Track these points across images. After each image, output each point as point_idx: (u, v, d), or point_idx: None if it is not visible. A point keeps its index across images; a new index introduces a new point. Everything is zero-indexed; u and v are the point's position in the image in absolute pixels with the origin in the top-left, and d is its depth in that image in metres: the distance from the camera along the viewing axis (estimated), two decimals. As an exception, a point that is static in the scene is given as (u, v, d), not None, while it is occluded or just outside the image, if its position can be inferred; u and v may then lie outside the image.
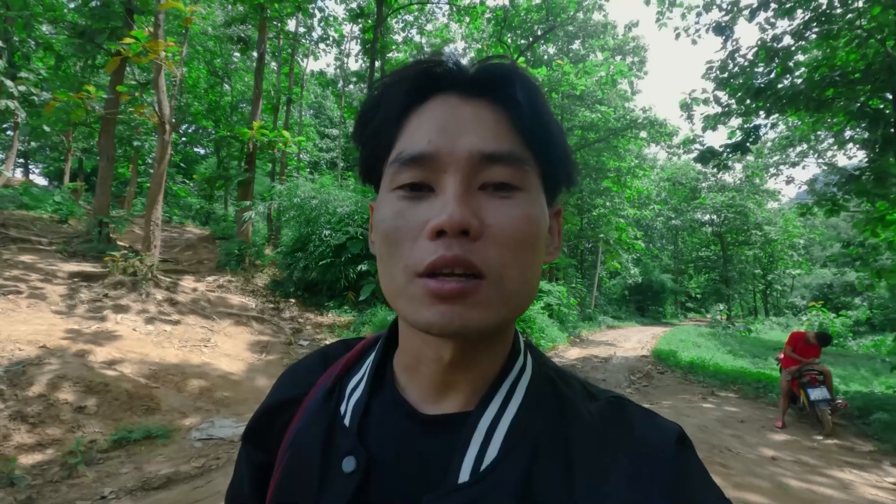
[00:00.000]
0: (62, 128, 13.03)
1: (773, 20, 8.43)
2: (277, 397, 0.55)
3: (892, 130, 7.07)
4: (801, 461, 4.59)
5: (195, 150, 27.16)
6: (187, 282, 8.63)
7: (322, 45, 20.47)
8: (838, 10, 7.62)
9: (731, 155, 9.29)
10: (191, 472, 3.53)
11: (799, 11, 8.00)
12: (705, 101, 10.14)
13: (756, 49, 8.59)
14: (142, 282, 7.02)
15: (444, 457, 0.42)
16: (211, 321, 7.11)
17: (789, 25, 8.16)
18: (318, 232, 9.44)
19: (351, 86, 23.88)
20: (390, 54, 18.32)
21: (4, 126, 18.30)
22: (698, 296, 41.07)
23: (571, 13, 17.01)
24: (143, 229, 8.10)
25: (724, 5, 9.13)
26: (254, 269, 10.54)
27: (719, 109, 9.64)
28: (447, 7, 17.35)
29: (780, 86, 8.24)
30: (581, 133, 20.17)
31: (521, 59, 16.88)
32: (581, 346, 13.86)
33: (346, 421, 0.47)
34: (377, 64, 15.25)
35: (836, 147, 12.83)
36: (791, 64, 8.43)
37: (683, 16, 11.64)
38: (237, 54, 18.85)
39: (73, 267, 7.38)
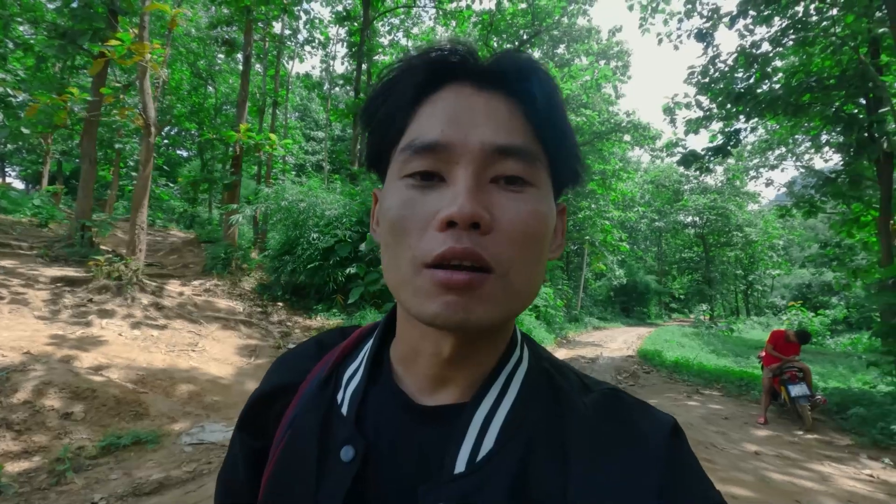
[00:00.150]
0: (42, 130, 12.77)
1: (751, 27, 8.66)
2: (271, 384, 0.55)
3: (866, 135, 7.30)
4: (782, 455, 4.72)
5: (178, 152, 26.80)
6: (173, 286, 8.53)
7: (308, 48, 20.38)
8: (814, 18, 7.85)
9: (712, 158, 9.50)
10: (182, 477, 3.50)
11: (776, 19, 8.23)
12: (687, 106, 10.36)
13: (736, 55, 8.81)
14: (127, 286, 6.92)
15: (440, 447, 0.42)
16: (198, 325, 7.04)
17: (767, 32, 8.40)
18: (305, 235, 9.40)
19: (337, 88, 23.80)
20: (376, 57, 18.34)
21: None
22: (682, 296, 41.66)
23: (556, 18, 17.22)
24: (128, 233, 7.99)
25: (705, 12, 9.35)
26: (240, 272, 10.45)
27: (701, 113, 9.85)
28: (433, 11, 17.44)
29: (759, 91, 8.47)
30: (566, 136, 20.33)
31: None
32: (568, 347, 14.01)
33: (344, 410, 0.47)
34: (363, 67, 15.25)
35: (813, 150, 13.19)
36: (769, 70, 8.66)
37: (666, 21, 11.88)
38: (221, 56, 18.68)
39: (55, 272, 7.24)
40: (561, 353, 11.95)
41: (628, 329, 24.01)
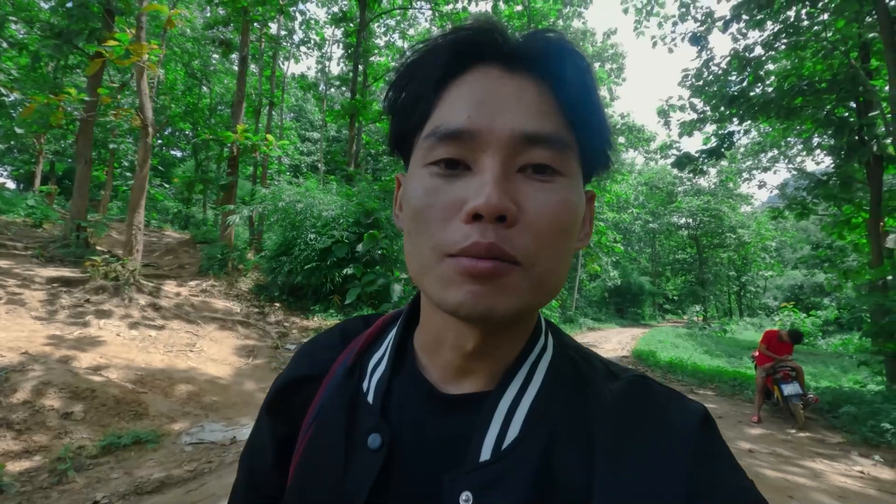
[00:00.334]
0: (37, 130, 12.68)
1: (745, 31, 8.76)
2: (297, 372, 0.55)
3: (856, 138, 7.41)
4: (776, 453, 4.79)
5: (172, 152, 26.69)
6: (169, 286, 8.51)
7: (303, 48, 20.38)
8: (805, 23, 7.96)
9: (706, 160, 9.60)
10: (183, 476, 3.52)
11: (769, 23, 8.34)
12: (681, 108, 10.47)
13: (729, 58, 8.91)
14: (124, 287, 6.91)
15: (464, 436, 0.42)
16: (196, 326, 7.03)
17: (760, 36, 8.51)
18: (303, 236, 9.42)
19: (332, 89, 23.81)
20: (372, 58, 18.37)
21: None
22: (675, 297, 41.92)
23: (552, 20, 17.31)
24: (123, 233, 7.97)
25: (699, 16, 9.46)
26: (237, 273, 10.44)
27: (695, 116, 9.96)
28: (430, 12, 17.50)
29: (752, 94, 8.57)
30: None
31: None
32: (563, 347, 14.04)
33: (370, 398, 0.47)
34: (359, 68, 15.29)
35: (805, 153, 13.35)
36: (762, 73, 8.77)
37: (660, 25, 12.01)
38: (216, 56, 18.63)
39: (51, 272, 7.22)
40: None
41: (622, 330, 24.15)
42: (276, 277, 9.72)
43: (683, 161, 9.73)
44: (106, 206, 17.62)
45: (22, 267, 7.19)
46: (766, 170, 19.83)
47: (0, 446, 3.45)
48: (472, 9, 16.98)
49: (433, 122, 0.41)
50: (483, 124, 0.39)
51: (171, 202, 23.28)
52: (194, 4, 16.25)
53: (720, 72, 9.25)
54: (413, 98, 0.44)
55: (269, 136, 11.39)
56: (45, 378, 4.26)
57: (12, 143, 19.29)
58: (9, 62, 12.45)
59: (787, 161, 17.40)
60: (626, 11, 13.27)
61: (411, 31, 20.16)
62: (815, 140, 10.56)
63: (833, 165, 8.48)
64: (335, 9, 18.86)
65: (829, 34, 7.70)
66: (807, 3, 7.54)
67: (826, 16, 7.65)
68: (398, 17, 19.29)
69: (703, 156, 9.49)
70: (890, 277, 6.65)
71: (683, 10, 9.95)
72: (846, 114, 7.99)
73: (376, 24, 18.43)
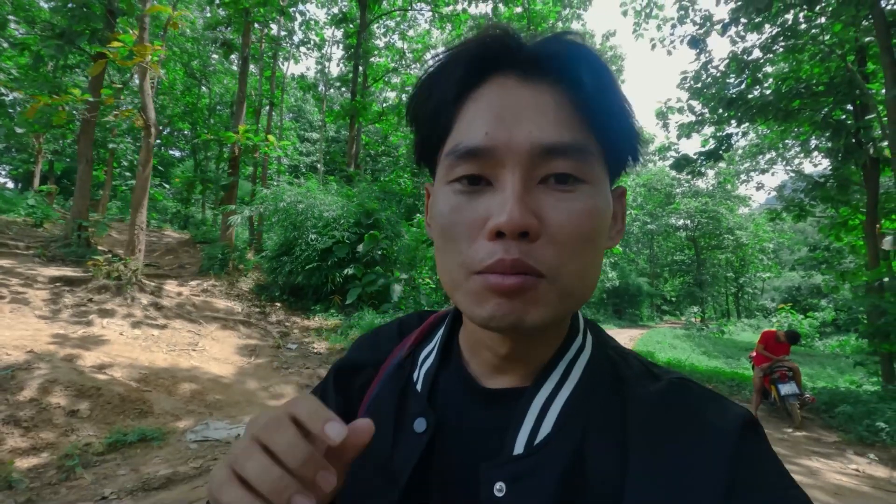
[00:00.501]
0: (38, 130, 12.69)
1: (743, 34, 8.83)
2: (360, 356, 0.60)
3: (853, 140, 7.48)
4: (773, 452, 4.85)
5: (171, 152, 26.70)
6: (171, 286, 8.55)
7: (303, 49, 20.42)
8: (803, 26, 8.03)
9: (704, 162, 9.67)
10: (189, 473, 3.56)
11: (767, 26, 8.40)
12: (680, 110, 10.54)
13: (728, 61, 8.97)
14: (126, 286, 6.95)
15: (501, 427, 0.44)
16: (198, 325, 7.07)
17: (758, 39, 8.57)
18: (304, 236, 9.46)
19: (332, 90, 23.85)
20: (372, 59, 18.43)
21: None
22: (673, 299, 41.94)
23: (551, 23, 17.40)
24: (124, 233, 8.01)
25: (698, 19, 9.52)
26: (237, 273, 10.48)
27: (693, 118, 10.03)
28: (429, 14, 17.56)
29: (750, 96, 8.64)
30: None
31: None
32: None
33: (418, 387, 0.51)
34: (359, 69, 15.34)
35: (802, 155, 13.43)
36: (760, 76, 8.84)
37: (659, 27, 12.09)
38: (215, 56, 18.66)
39: (53, 271, 7.25)
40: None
41: (620, 331, 24.19)
42: (277, 277, 9.76)
43: (681, 163, 9.80)
44: (105, 205, 17.63)
45: (24, 266, 7.22)
46: (763, 172, 19.93)
47: (8, 443, 3.50)
48: (472, 11, 17.06)
49: (453, 138, 0.42)
50: (501, 140, 0.39)
51: (170, 202, 23.29)
52: (194, 4, 16.29)
53: (719, 74, 9.32)
54: (433, 114, 0.44)
55: (271, 137, 11.44)
56: (51, 376, 4.30)
57: (11, 142, 19.29)
58: (8, 61, 12.47)
59: (784, 163, 17.48)
60: (625, 14, 13.34)
61: (411, 33, 20.22)
62: (813, 142, 10.63)
63: (830, 168, 8.56)
64: (335, 10, 18.92)
65: (827, 38, 7.77)
66: (804, 6, 7.61)
67: (823, 19, 7.72)
68: (398, 19, 19.35)
69: (702, 158, 9.56)
70: (886, 279, 6.72)
71: (682, 12, 10.02)
72: (843, 116, 8.05)
73: (375, 25, 18.49)
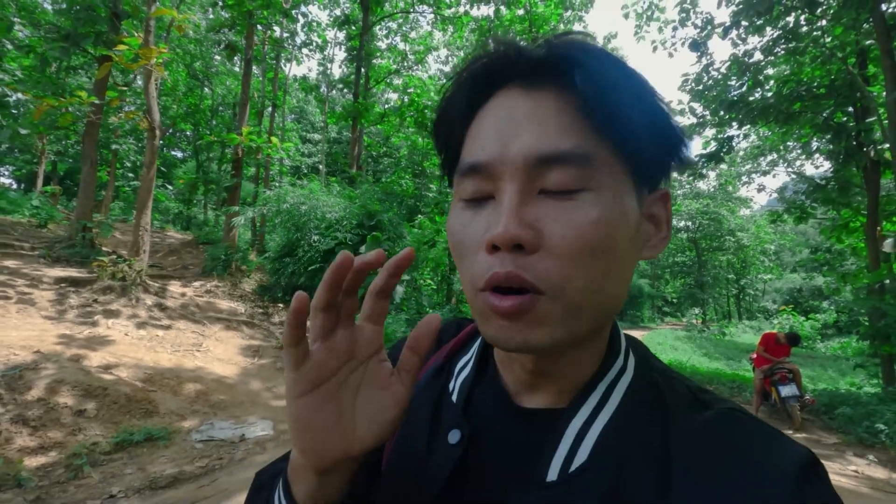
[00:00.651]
0: (42, 131, 12.76)
1: (744, 36, 8.85)
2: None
3: (854, 143, 7.51)
4: (773, 453, 4.88)
5: (173, 153, 26.78)
6: (174, 287, 8.60)
7: (305, 51, 20.50)
8: (804, 29, 8.05)
9: (706, 164, 9.69)
10: (195, 472, 3.61)
11: (768, 29, 8.42)
12: (681, 112, 10.54)
13: (729, 63, 9.00)
14: (131, 287, 7.00)
15: (535, 448, 0.42)
16: (201, 326, 7.12)
17: (760, 42, 8.59)
18: (306, 237, 9.50)
19: (334, 91, 23.92)
20: (375, 61, 18.49)
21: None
22: (674, 300, 41.88)
23: (553, 25, 17.44)
24: (128, 234, 8.06)
25: (699, 22, 9.55)
26: (240, 274, 10.53)
27: (695, 120, 10.04)
28: (432, 16, 17.62)
29: (751, 99, 8.66)
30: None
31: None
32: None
33: (454, 398, 0.50)
34: (362, 71, 15.39)
35: (803, 157, 13.44)
36: (761, 78, 8.86)
37: (660, 30, 12.11)
38: (218, 57, 18.72)
39: (58, 272, 7.30)
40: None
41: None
42: (280, 278, 9.81)
43: (683, 164, 9.80)
44: (108, 206, 17.70)
45: (30, 267, 7.28)
46: (765, 173, 19.92)
47: (17, 442, 3.54)
48: (474, 13, 17.10)
49: (462, 155, 0.43)
50: (496, 154, 0.39)
51: (172, 203, 23.37)
52: (196, 6, 16.37)
53: (720, 76, 9.34)
54: (447, 136, 0.45)
55: (274, 139, 11.49)
56: (58, 376, 4.35)
57: (15, 143, 19.36)
58: (12, 63, 12.54)
59: (786, 165, 17.50)
60: (626, 16, 13.37)
61: (413, 35, 20.28)
62: (814, 144, 10.64)
63: (831, 169, 8.58)
64: (337, 12, 19.00)
65: (828, 41, 7.80)
66: (805, 10, 7.64)
67: (824, 22, 7.75)
68: (400, 21, 19.41)
69: (703, 159, 9.58)
70: (887, 281, 6.75)
71: (683, 15, 10.05)
72: (844, 119, 8.08)
73: (378, 27, 18.56)
